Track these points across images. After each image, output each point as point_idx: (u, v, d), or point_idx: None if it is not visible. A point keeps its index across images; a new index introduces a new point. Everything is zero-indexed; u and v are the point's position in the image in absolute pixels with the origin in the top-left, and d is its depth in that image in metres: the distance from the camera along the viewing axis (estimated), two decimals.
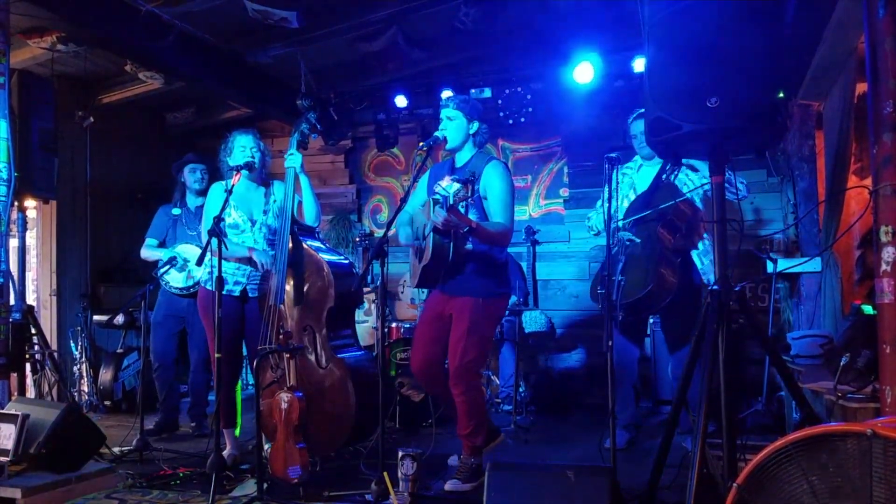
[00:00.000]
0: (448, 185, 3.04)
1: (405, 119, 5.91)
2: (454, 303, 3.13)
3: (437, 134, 3.17)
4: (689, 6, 2.11)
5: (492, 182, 3.05)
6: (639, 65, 4.78)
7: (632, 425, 3.81)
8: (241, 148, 3.44)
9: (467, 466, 3.06)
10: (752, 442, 2.17)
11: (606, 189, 3.79)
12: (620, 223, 3.62)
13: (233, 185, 3.17)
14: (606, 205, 3.02)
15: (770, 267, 4.10)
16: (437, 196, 2.95)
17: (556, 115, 5.60)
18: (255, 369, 2.99)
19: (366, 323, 5.58)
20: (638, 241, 3.47)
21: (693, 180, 3.64)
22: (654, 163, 3.71)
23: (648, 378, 5.04)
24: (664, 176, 3.57)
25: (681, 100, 2.09)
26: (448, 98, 3.26)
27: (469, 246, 3.06)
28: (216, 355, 2.91)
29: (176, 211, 4.40)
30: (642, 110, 3.66)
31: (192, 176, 4.38)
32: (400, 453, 2.86)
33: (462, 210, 2.92)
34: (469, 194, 2.69)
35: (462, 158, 3.23)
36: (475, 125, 3.19)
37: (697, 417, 2.03)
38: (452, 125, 3.17)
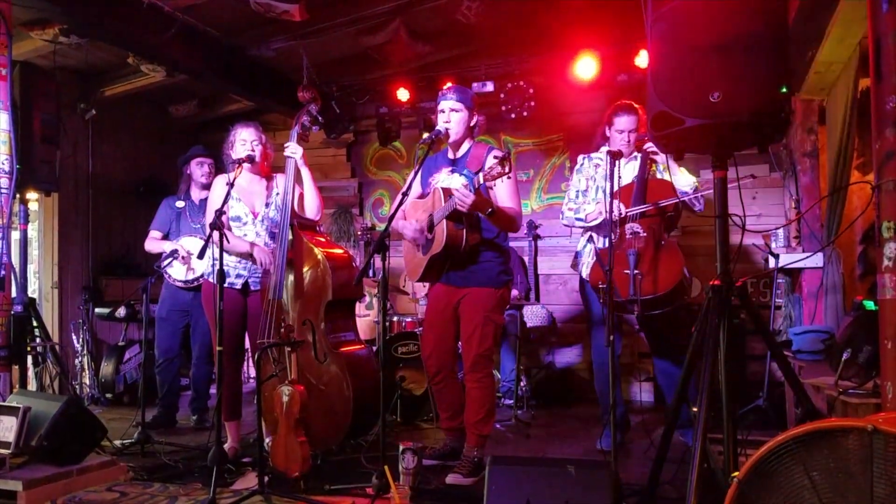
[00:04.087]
0: (468, 175, 3.04)
1: (407, 113, 5.90)
2: (464, 292, 3.14)
3: (439, 128, 3.16)
4: (692, 0, 2.10)
5: None
6: (642, 59, 4.76)
7: (622, 424, 3.75)
8: (242, 142, 3.44)
9: (469, 460, 3.07)
10: (753, 437, 2.17)
11: (585, 185, 3.79)
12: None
13: (234, 179, 3.17)
14: (607, 199, 3.00)
15: (772, 262, 4.10)
16: (462, 177, 2.93)
17: (559, 110, 5.59)
18: (255, 363, 2.99)
19: (367, 317, 5.58)
20: (644, 234, 3.40)
21: (665, 175, 3.57)
22: (630, 160, 3.62)
23: (650, 372, 5.05)
24: (647, 174, 3.51)
25: (684, 94, 2.08)
26: (448, 90, 3.21)
27: (478, 235, 3.06)
28: (218, 348, 2.91)
29: (180, 203, 4.40)
30: (629, 103, 3.63)
31: (199, 169, 4.38)
32: (401, 447, 2.86)
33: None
34: (507, 171, 2.68)
35: (460, 149, 3.23)
36: (475, 117, 3.21)
37: (698, 412, 2.03)
38: (457, 117, 3.16)
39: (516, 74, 5.34)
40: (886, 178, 2.04)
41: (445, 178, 3.21)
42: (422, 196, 3.32)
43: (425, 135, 3.15)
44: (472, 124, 3.21)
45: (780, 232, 4.53)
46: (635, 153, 3.59)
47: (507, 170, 2.68)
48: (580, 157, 3.81)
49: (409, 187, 3.09)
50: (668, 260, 3.32)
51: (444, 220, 2.97)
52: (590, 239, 3.66)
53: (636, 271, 3.24)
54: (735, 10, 2.03)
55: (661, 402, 4.97)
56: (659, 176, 3.57)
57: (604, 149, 3.73)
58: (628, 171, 3.59)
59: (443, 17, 4.59)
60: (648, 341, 3.81)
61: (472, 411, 3.12)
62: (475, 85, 5.28)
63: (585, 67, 4.93)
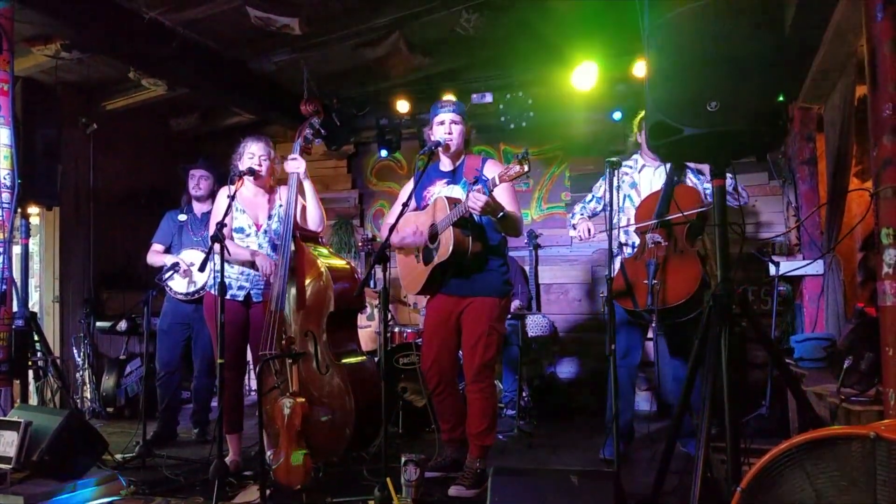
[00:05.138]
0: (467, 185, 3.05)
1: (407, 124, 5.93)
2: (468, 302, 3.13)
3: (439, 139, 3.18)
4: (689, 10, 2.12)
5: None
6: (640, 69, 4.79)
7: (626, 434, 3.71)
8: (251, 155, 3.47)
9: (471, 472, 3.05)
10: (755, 446, 2.17)
11: (603, 192, 3.78)
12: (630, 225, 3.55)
13: (235, 191, 3.19)
14: (608, 209, 3.01)
15: (772, 270, 4.10)
16: (479, 181, 2.95)
17: (558, 120, 5.61)
18: (257, 374, 2.99)
19: (368, 328, 5.58)
20: (665, 243, 3.37)
21: (697, 184, 3.59)
22: (660, 165, 3.61)
23: (651, 381, 5.03)
24: (675, 178, 3.49)
25: (681, 104, 2.09)
26: (447, 102, 3.26)
27: (481, 244, 3.06)
28: (219, 360, 2.91)
29: (182, 216, 4.41)
30: None
31: (190, 182, 4.38)
32: (403, 459, 2.86)
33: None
34: (526, 169, 2.68)
35: (454, 162, 3.26)
36: (470, 130, 3.27)
37: (700, 421, 2.03)
38: (457, 129, 3.20)
39: (515, 85, 5.37)
40: (884, 185, 2.05)
41: (443, 190, 3.22)
42: (415, 209, 3.32)
43: (423, 149, 3.18)
44: (468, 136, 3.25)
45: (780, 239, 4.53)
46: None
47: (526, 168, 2.68)
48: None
49: (410, 197, 3.10)
50: (684, 270, 3.29)
51: (451, 227, 2.97)
52: (620, 248, 3.67)
53: (654, 281, 3.23)
54: (732, 19, 2.05)
55: (663, 411, 4.95)
56: (690, 182, 3.54)
57: (635, 156, 3.75)
58: (659, 177, 3.59)
59: (442, 30, 4.62)
60: (668, 345, 3.80)
61: (474, 423, 3.10)
62: (474, 96, 5.31)
63: (584, 78, 4.95)
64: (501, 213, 2.91)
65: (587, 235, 3.65)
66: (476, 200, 2.82)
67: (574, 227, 3.78)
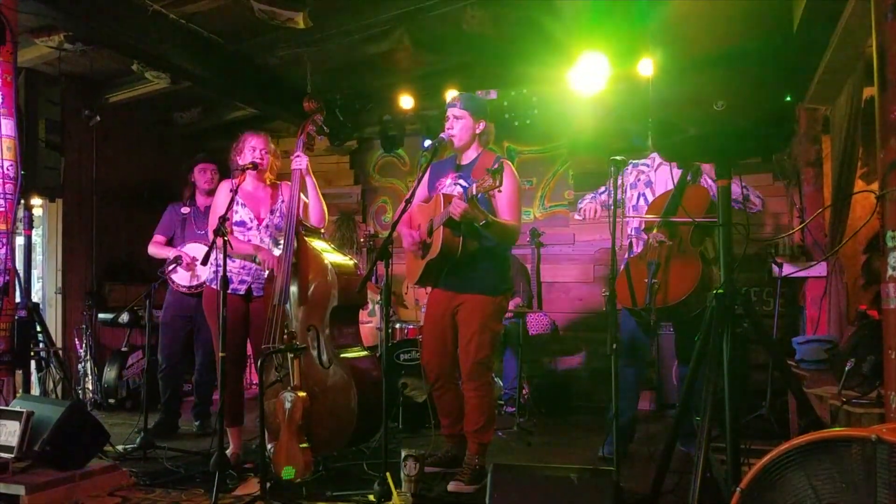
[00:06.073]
0: (470, 182, 3.04)
1: (411, 120, 5.91)
2: (461, 299, 3.12)
3: (442, 135, 3.16)
4: (696, 8, 2.11)
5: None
6: (645, 67, 4.77)
7: (628, 433, 3.67)
8: (252, 149, 3.47)
9: (470, 468, 3.06)
10: (755, 446, 2.16)
11: (646, 189, 3.75)
12: (640, 223, 3.54)
13: (238, 185, 3.20)
14: (612, 207, 3.01)
15: (775, 271, 4.09)
16: (458, 186, 2.93)
17: (562, 118, 5.59)
18: (258, 368, 2.99)
19: (370, 324, 5.58)
20: (669, 243, 3.35)
21: (713, 185, 3.54)
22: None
23: (651, 381, 5.03)
24: (689, 178, 3.45)
25: (687, 103, 2.08)
26: (454, 97, 3.25)
27: (476, 243, 3.05)
28: (220, 354, 2.91)
29: (185, 209, 4.42)
30: None
31: (202, 176, 4.40)
32: (403, 454, 2.86)
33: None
34: (498, 184, 2.67)
35: (467, 157, 3.23)
36: (482, 124, 3.19)
37: (701, 422, 2.03)
38: (460, 124, 3.16)
39: (520, 82, 5.35)
40: (891, 188, 2.04)
41: (450, 184, 3.22)
42: (427, 200, 3.33)
43: (428, 142, 3.16)
44: (477, 132, 3.20)
45: (784, 240, 4.52)
46: None
47: (497, 183, 2.66)
48: (630, 162, 3.79)
49: (413, 195, 3.09)
50: (684, 270, 3.27)
51: (442, 227, 2.97)
52: (630, 246, 3.66)
53: (654, 280, 3.23)
54: (739, 18, 2.04)
55: (663, 411, 4.95)
56: (706, 183, 3.48)
57: (653, 154, 3.69)
58: (676, 175, 3.55)
59: (446, 26, 4.61)
60: (676, 347, 3.78)
61: (471, 420, 3.11)
62: (479, 93, 5.29)
63: (589, 76, 4.93)
64: (484, 222, 2.89)
65: (593, 216, 3.63)
66: (455, 207, 2.82)
67: (580, 210, 3.74)
